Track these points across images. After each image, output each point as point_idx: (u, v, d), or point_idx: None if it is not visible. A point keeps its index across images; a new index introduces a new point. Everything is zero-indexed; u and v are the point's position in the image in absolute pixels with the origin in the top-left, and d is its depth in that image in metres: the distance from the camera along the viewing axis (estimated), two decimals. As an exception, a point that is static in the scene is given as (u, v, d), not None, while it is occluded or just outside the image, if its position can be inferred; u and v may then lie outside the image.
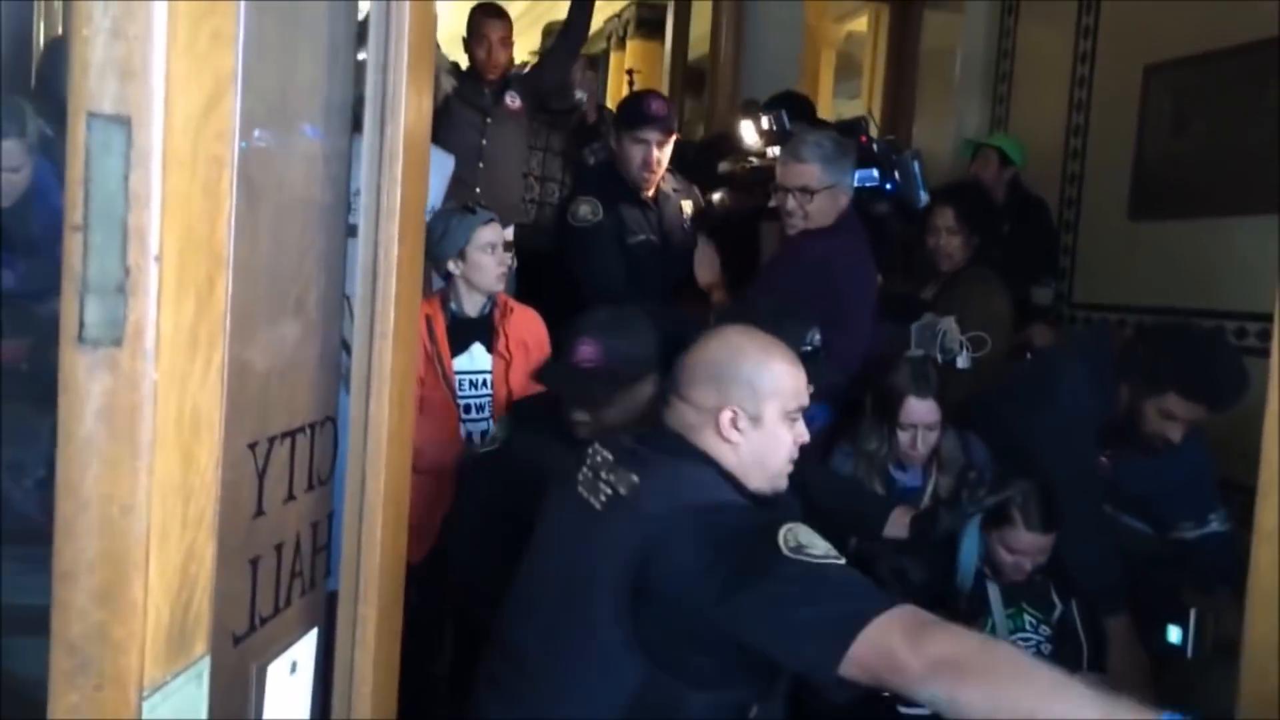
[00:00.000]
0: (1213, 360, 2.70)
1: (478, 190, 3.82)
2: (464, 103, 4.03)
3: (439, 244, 2.88)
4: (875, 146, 3.38)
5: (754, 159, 3.54)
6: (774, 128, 3.47)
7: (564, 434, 2.19)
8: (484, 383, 2.90)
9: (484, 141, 4.04)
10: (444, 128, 3.65)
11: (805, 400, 1.80)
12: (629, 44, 8.21)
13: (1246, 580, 1.73)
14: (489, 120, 4.06)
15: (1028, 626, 2.55)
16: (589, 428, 2.13)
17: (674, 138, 3.46)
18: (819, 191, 2.98)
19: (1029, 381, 2.86)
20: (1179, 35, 3.58)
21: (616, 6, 8.46)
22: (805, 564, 1.49)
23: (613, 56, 8.70)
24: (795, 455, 1.78)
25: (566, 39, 4.08)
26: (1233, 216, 3.36)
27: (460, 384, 2.87)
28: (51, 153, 2.75)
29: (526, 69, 4.54)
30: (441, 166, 2.77)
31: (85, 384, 0.83)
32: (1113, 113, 3.93)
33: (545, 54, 4.24)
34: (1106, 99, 4.01)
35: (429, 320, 2.84)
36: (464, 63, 4.26)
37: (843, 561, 1.55)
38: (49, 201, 2.73)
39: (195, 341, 0.91)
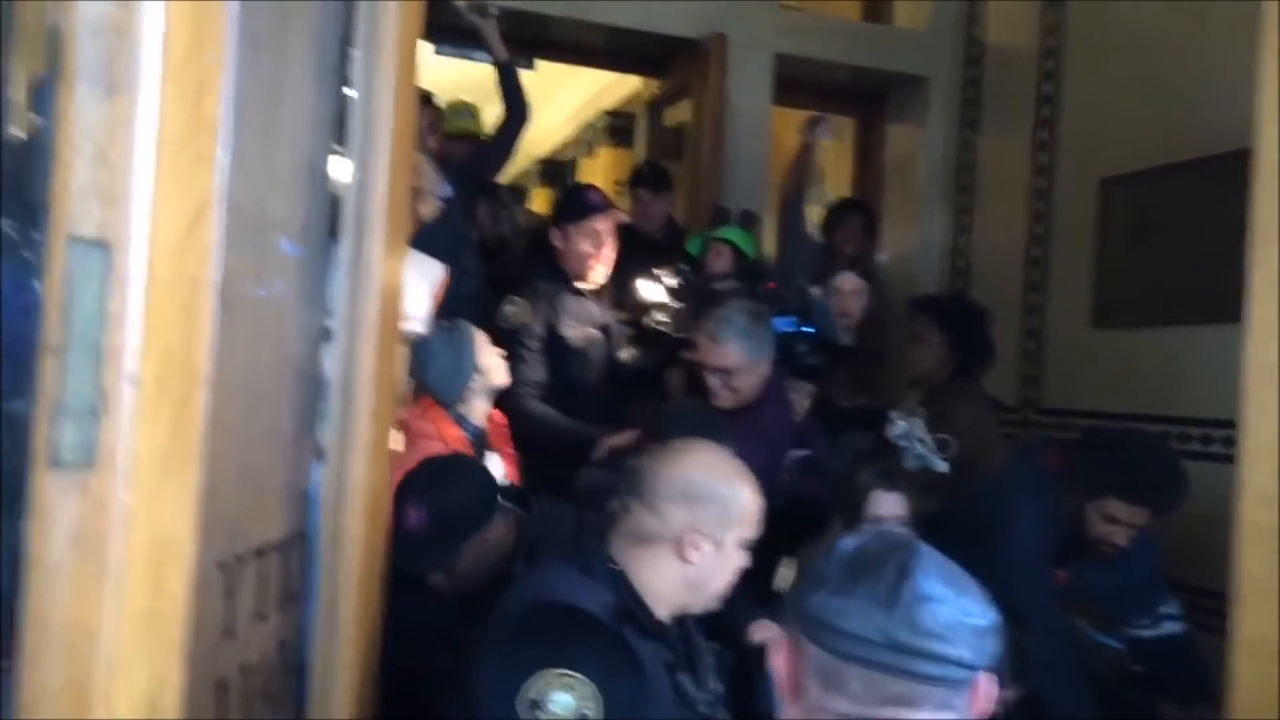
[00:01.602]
0: (1151, 463, 2.72)
1: None
2: None
3: (456, 374, 2.74)
4: (785, 293, 3.42)
5: (659, 316, 3.51)
6: (681, 285, 3.49)
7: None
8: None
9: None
10: None
11: (758, 530, 1.77)
12: (600, 151, 8.36)
13: (1222, 692, 1.73)
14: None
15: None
16: (447, 584, 2.05)
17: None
18: (741, 371, 2.96)
19: (975, 519, 2.84)
20: (1136, 150, 3.69)
21: (587, 115, 8.62)
22: None
23: (582, 164, 8.84)
24: (735, 580, 1.75)
25: (513, 115, 3.98)
26: (1194, 325, 3.42)
27: None
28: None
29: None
30: (427, 275, 2.72)
31: (55, 507, 0.82)
32: (1072, 223, 4.03)
33: (495, 134, 4.06)
34: (1066, 210, 4.11)
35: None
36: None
37: None
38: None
39: (169, 462, 0.90)
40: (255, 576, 1.19)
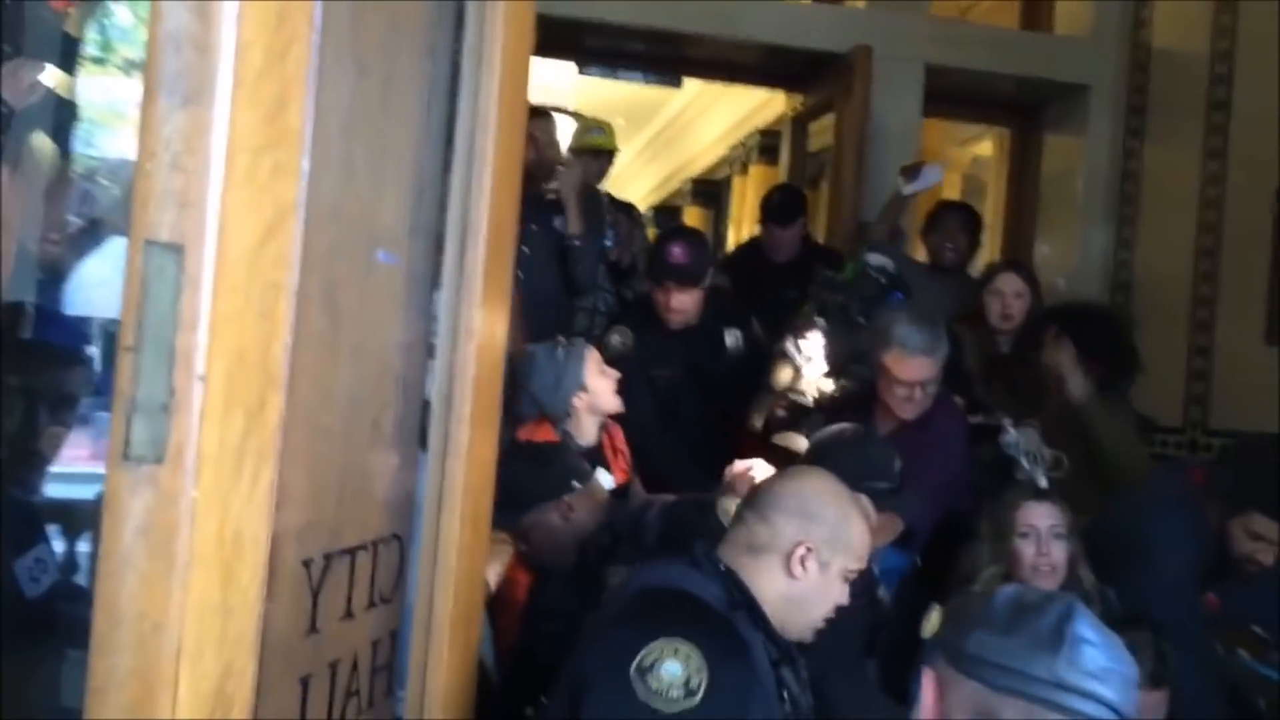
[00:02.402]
0: None
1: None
2: None
3: (557, 389, 2.80)
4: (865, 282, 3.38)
5: (795, 392, 3.41)
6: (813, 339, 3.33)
7: None
8: None
9: (524, 249, 3.66)
10: None
11: (864, 565, 1.79)
12: (751, 170, 8.33)
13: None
14: (533, 228, 3.74)
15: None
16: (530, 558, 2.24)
17: (701, 284, 3.34)
18: (935, 377, 2.91)
19: (1116, 537, 2.69)
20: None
21: (740, 134, 8.62)
22: (637, 707, 1.49)
23: (735, 182, 8.83)
24: (832, 615, 1.76)
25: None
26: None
27: None
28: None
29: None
30: None
31: (127, 501, 0.85)
32: (1245, 235, 3.79)
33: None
34: (1238, 221, 3.86)
35: None
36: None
37: (676, 710, 1.49)
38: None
39: (242, 460, 0.93)
40: (345, 576, 1.22)
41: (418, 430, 1.52)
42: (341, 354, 1.34)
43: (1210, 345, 3.96)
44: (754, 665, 1.63)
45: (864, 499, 1.99)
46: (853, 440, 2.52)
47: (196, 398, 0.86)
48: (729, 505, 2.06)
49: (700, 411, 3.27)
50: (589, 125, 4.70)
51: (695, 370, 3.37)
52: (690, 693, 1.49)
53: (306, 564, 1.13)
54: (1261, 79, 3.84)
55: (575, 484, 2.30)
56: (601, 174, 4.53)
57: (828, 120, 5.18)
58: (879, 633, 2.43)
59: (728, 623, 1.65)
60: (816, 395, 2.80)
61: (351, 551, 1.24)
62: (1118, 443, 3.16)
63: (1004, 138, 5.43)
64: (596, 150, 4.52)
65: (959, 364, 3.48)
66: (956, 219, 4.16)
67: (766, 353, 3.17)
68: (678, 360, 3.36)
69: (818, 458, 2.42)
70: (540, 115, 4.04)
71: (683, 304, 3.29)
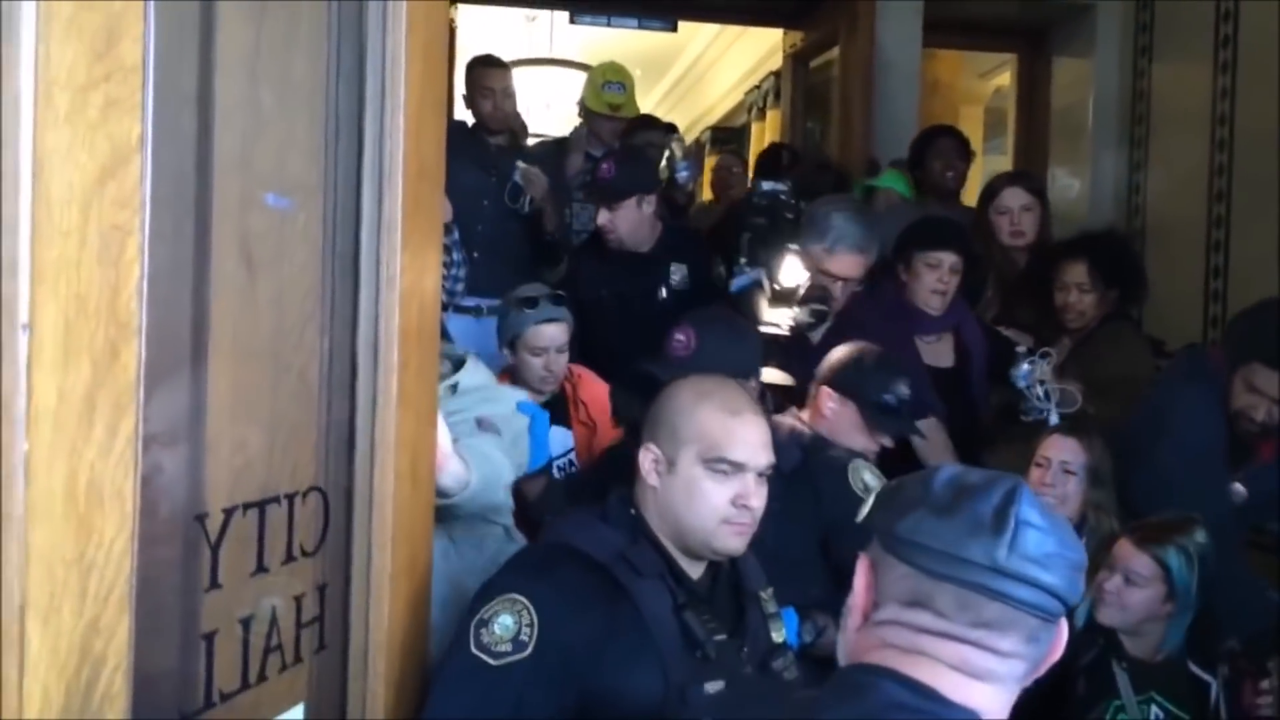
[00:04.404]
0: None
1: (475, 255, 3.56)
2: (468, 159, 3.61)
3: (498, 328, 2.83)
4: None
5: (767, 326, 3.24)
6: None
7: None
8: (570, 464, 2.81)
9: (485, 203, 3.69)
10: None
11: (743, 456, 1.63)
12: (769, 114, 8.21)
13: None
14: (492, 179, 3.72)
15: (1153, 718, 2.28)
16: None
17: (623, 201, 3.17)
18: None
19: (1143, 426, 2.62)
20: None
21: (755, 78, 8.50)
22: (468, 658, 1.51)
23: (753, 127, 8.71)
24: (736, 518, 1.62)
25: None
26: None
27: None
28: None
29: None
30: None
31: (-42, 456, 0.83)
32: (1257, 151, 3.64)
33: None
34: (1250, 137, 3.72)
35: None
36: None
37: (502, 663, 1.50)
38: None
39: (92, 410, 0.90)
40: (253, 530, 1.19)
41: (348, 382, 1.48)
42: (260, 306, 1.30)
43: (1225, 265, 3.83)
44: (617, 617, 1.57)
45: (742, 387, 1.87)
46: (859, 357, 2.49)
47: (21, 346, 0.83)
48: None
49: (621, 342, 3.04)
50: (606, 79, 4.32)
51: (621, 298, 3.26)
52: (520, 646, 1.50)
53: (201, 518, 1.10)
54: (1272, -17, 3.68)
55: None
56: (616, 134, 4.32)
57: (830, 55, 5.08)
58: None
59: (600, 572, 1.61)
60: (792, 324, 2.73)
61: (260, 505, 1.21)
62: (1129, 374, 3.07)
63: (1008, 65, 5.30)
64: (612, 108, 4.26)
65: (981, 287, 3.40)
66: (952, 143, 4.05)
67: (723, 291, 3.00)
68: (607, 285, 3.26)
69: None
70: (495, 66, 3.96)
71: (608, 222, 3.18)
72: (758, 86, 8.52)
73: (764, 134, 8.24)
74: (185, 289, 1.11)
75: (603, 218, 3.18)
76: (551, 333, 2.72)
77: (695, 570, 1.68)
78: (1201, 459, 2.46)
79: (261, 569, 1.21)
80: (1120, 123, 4.45)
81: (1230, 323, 2.59)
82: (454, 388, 2.00)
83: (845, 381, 2.42)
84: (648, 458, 1.67)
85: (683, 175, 3.99)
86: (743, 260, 2.80)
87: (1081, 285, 3.16)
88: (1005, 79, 6.67)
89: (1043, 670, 1.11)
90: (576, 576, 1.59)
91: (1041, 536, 1.06)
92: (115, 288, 0.92)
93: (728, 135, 9.99)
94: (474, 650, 1.51)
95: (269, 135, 1.31)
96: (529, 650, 1.50)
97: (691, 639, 1.58)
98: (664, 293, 3.25)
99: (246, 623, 1.19)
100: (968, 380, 3.09)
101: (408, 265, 1.49)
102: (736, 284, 2.78)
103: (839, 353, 2.52)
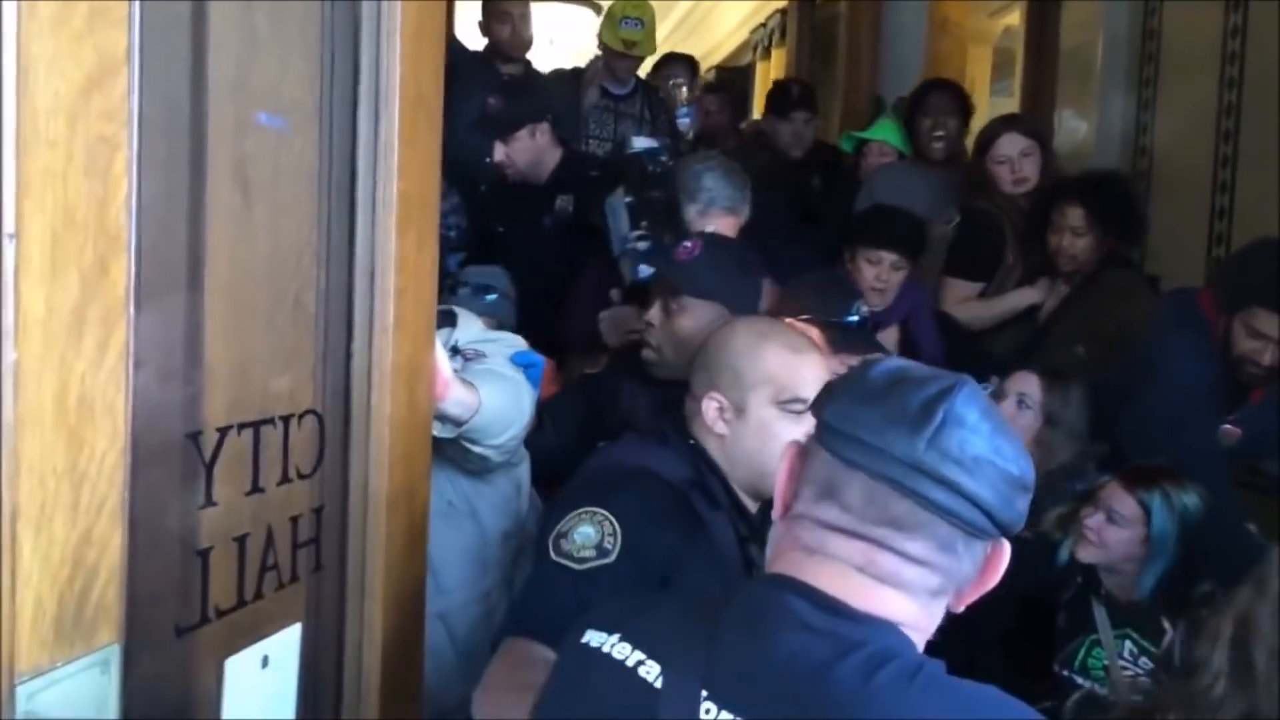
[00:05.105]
0: None
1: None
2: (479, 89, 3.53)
3: None
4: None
5: None
6: None
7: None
8: None
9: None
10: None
11: (814, 393, 1.65)
12: (774, 54, 8.11)
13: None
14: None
15: (1128, 654, 2.31)
16: (657, 338, 2.18)
17: (509, 134, 3.18)
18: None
19: (1134, 369, 2.62)
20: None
21: (761, 16, 8.39)
22: (550, 566, 1.53)
23: (759, 67, 8.61)
24: None
25: None
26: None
27: None
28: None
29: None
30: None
31: (-54, 364, 0.83)
32: (1266, 90, 3.59)
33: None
34: (1261, 75, 3.67)
35: None
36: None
37: (587, 567, 1.51)
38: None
39: (82, 323, 0.90)
40: (245, 450, 1.20)
41: (345, 308, 1.48)
42: (257, 231, 1.30)
43: (1232, 206, 3.80)
44: (707, 542, 1.60)
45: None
46: (814, 283, 2.53)
47: (8, 256, 0.83)
48: None
49: (515, 273, 3.05)
50: (625, 15, 4.19)
51: (512, 230, 3.28)
52: (604, 552, 1.49)
53: (194, 436, 1.11)
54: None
55: None
56: (632, 70, 4.31)
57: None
58: None
59: (677, 496, 1.62)
60: None
61: (255, 426, 1.21)
62: (1132, 323, 3.06)
63: (1018, 8, 5.22)
64: (628, 45, 4.18)
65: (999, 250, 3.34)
66: (944, 99, 3.88)
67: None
68: (501, 219, 3.28)
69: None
70: None
71: (504, 156, 3.20)
72: (764, 25, 8.41)
73: (769, 74, 8.15)
74: (180, 211, 1.11)
75: (498, 153, 3.17)
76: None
77: (753, 506, 1.72)
78: (1189, 403, 2.46)
79: (257, 489, 1.22)
80: (1130, 62, 4.39)
81: (1220, 268, 2.57)
82: (455, 349, 1.99)
83: (805, 309, 2.42)
84: (711, 406, 1.66)
85: (683, 123, 3.94)
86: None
87: (1076, 229, 3.12)
88: (1015, 18, 6.57)
89: (971, 595, 1.04)
90: (658, 493, 1.61)
91: (971, 438, 0.98)
92: (103, 201, 0.92)
93: (733, 75, 9.89)
94: (555, 558, 1.52)
95: (264, 59, 1.30)
96: (613, 556, 1.50)
97: (753, 570, 1.63)
98: (547, 222, 3.24)
99: (242, 541, 1.19)
100: None
101: (405, 191, 1.48)
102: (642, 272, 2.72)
103: (791, 288, 2.53)
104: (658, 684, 1.00)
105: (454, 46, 4.02)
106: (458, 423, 1.72)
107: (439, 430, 1.70)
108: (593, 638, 1.08)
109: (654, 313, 2.25)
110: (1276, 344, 2.43)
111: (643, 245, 2.70)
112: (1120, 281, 3.18)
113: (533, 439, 2.09)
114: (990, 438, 0.98)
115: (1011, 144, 3.37)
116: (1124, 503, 2.27)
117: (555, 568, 1.51)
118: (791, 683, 0.95)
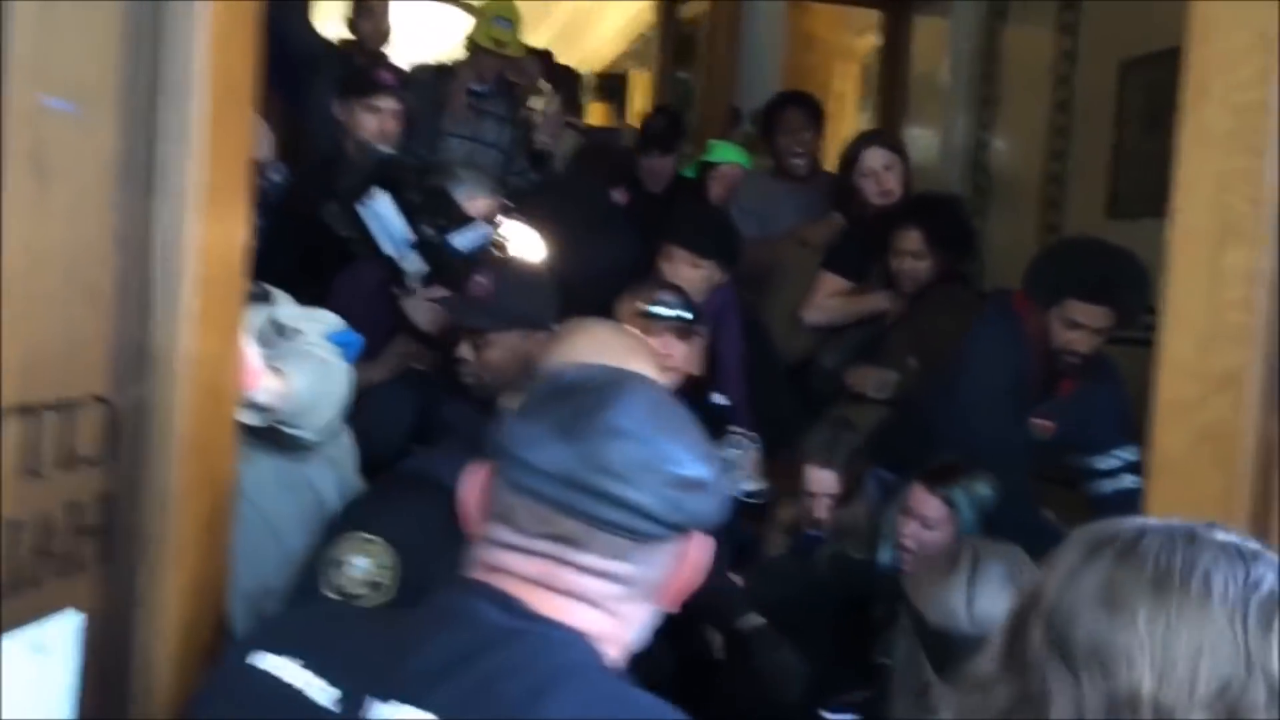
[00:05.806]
0: (1108, 262, 2.61)
1: None
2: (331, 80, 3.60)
3: None
4: None
5: None
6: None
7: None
8: None
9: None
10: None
11: None
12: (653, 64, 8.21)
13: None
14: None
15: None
16: (473, 370, 2.20)
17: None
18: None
19: (945, 369, 2.77)
20: (1154, 28, 3.45)
21: (640, 26, 8.47)
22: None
23: (633, 76, 8.70)
24: None
25: None
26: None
27: None
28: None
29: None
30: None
31: None
32: (1092, 111, 3.82)
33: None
34: (1087, 97, 3.89)
35: None
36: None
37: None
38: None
39: None
40: (16, 435, 1.18)
41: (144, 296, 1.47)
42: (54, 216, 1.29)
43: (1060, 222, 4.02)
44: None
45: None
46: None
47: None
48: None
49: None
50: (496, 14, 4.21)
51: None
52: (377, 588, 1.47)
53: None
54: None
55: None
56: (498, 69, 4.25)
57: (701, 4, 5.11)
58: None
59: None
60: None
61: (37, 410, 1.20)
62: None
63: (870, 20, 5.41)
64: (498, 44, 4.16)
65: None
66: (799, 114, 3.95)
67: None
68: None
69: None
70: None
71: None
72: (642, 34, 8.50)
73: (646, 83, 8.25)
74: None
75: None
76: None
77: None
78: (996, 395, 2.60)
79: (35, 474, 1.20)
80: (972, 83, 4.60)
81: (1031, 267, 2.72)
82: (278, 326, 1.96)
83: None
84: None
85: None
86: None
87: (916, 252, 3.24)
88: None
89: (677, 592, 1.03)
90: (443, 511, 1.56)
91: (628, 446, 0.95)
92: None
93: (611, 83, 9.96)
94: (325, 591, 1.48)
95: (64, 42, 1.30)
96: (389, 593, 1.46)
97: None
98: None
99: (18, 525, 1.18)
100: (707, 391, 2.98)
101: (211, 180, 1.48)
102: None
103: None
104: (334, 707, 0.97)
105: (314, 37, 4.05)
106: (271, 411, 1.71)
107: (249, 417, 1.69)
108: (260, 659, 1.04)
109: (465, 349, 2.27)
110: (1092, 331, 2.60)
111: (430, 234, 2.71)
112: (950, 295, 3.32)
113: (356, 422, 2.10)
114: (652, 443, 0.97)
115: (875, 158, 3.47)
116: (929, 505, 2.37)
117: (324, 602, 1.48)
118: (463, 684, 0.93)
